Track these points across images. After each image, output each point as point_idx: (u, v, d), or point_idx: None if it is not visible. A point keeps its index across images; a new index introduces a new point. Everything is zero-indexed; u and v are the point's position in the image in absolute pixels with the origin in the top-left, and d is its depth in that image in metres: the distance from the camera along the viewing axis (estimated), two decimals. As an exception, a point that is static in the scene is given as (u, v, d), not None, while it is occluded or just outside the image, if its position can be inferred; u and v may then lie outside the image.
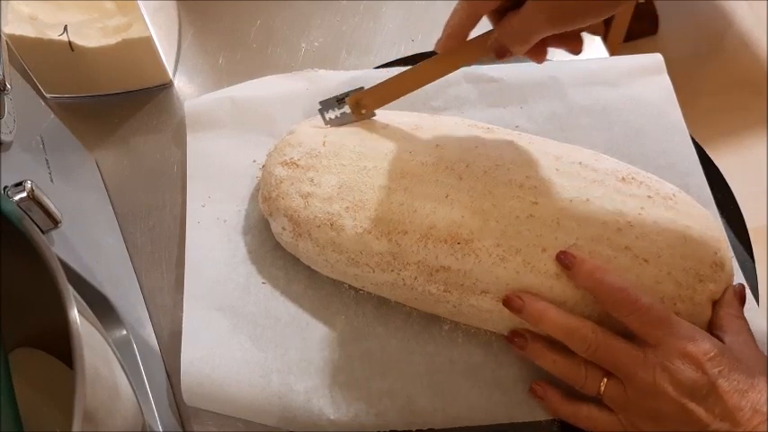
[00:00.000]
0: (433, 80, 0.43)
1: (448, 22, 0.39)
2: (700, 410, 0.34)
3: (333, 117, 0.45)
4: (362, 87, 0.44)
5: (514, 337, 0.41)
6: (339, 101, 0.45)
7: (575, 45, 0.39)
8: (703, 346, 0.36)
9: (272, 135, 0.50)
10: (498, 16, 0.38)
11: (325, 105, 0.45)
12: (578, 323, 0.38)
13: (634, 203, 0.40)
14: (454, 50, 0.41)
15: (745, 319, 0.39)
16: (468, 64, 0.42)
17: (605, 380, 0.38)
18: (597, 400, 0.39)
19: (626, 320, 0.37)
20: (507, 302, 0.39)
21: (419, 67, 0.43)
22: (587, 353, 0.38)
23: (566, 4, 0.34)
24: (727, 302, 0.39)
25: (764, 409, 0.34)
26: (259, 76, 0.53)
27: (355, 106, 0.45)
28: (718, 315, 0.39)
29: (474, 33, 0.41)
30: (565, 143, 0.45)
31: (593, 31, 0.40)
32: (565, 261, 0.38)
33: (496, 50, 0.39)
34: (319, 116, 0.49)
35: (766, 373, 0.35)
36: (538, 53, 0.39)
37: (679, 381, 0.35)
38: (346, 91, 0.45)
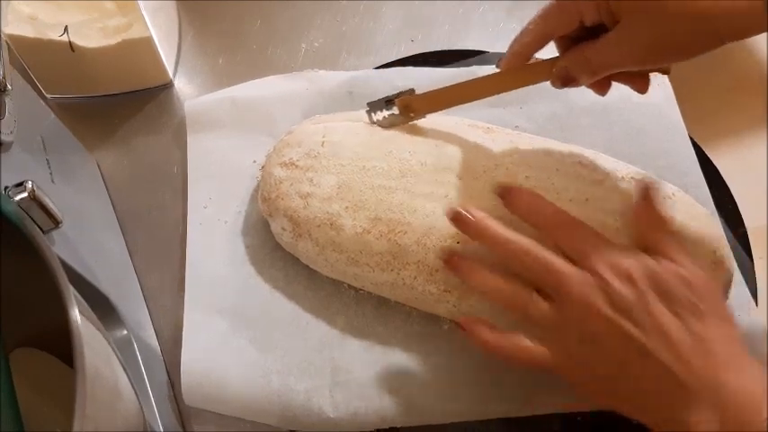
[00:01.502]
0: (489, 96, 0.42)
1: (516, 40, 0.38)
2: (630, 326, 0.33)
3: (380, 118, 0.45)
4: (413, 90, 0.44)
5: (449, 257, 0.39)
6: (388, 102, 0.44)
7: (643, 84, 0.38)
8: (635, 263, 0.35)
9: (272, 135, 0.50)
10: (567, 43, 0.37)
11: (373, 106, 0.45)
12: (519, 237, 0.37)
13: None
14: (516, 70, 0.40)
15: (676, 238, 0.37)
16: (527, 85, 0.41)
17: (541, 301, 0.36)
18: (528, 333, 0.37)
19: (561, 242, 0.37)
20: (449, 215, 0.38)
21: (477, 81, 0.42)
22: (525, 267, 0.37)
23: (663, 40, 0.33)
24: (653, 223, 0.37)
25: (705, 335, 0.33)
26: (259, 77, 0.53)
27: (404, 109, 0.44)
28: (648, 238, 0.37)
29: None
30: (565, 143, 0.45)
31: (663, 71, 0.40)
32: (502, 193, 0.39)
33: (562, 78, 0.38)
34: (317, 115, 0.49)
35: (712, 295, 0.34)
36: (603, 85, 0.38)
37: (612, 297, 0.34)
38: (396, 92, 0.44)
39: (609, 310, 0.34)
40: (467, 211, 0.38)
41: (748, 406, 0.31)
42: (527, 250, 0.36)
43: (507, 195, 0.38)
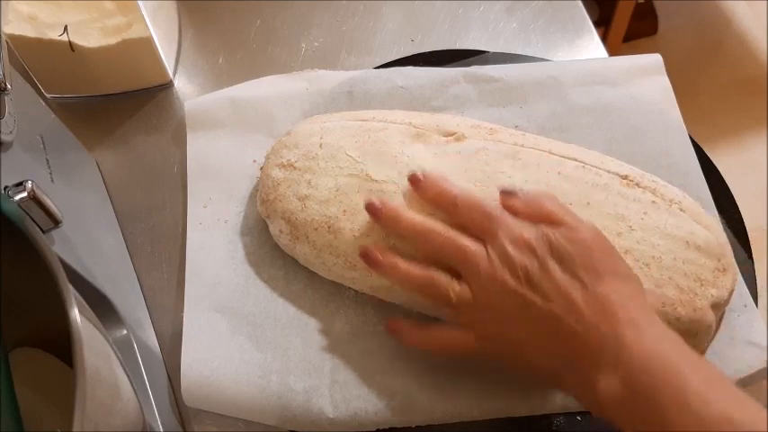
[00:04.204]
0: None
1: None
2: (533, 294, 0.34)
3: None
4: None
5: (367, 253, 0.40)
6: None
7: None
8: (533, 233, 0.36)
9: (271, 135, 0.50)
10: None
11: None
12: (428, 220, 0.39)
13: (637, 208, 0.41)
14: None
15: (559, 203, 0.38)
16: None
17: (456, 284, 0.37)
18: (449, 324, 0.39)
19: (464, 221, 0.38)
20: (368, 206, 0.40)
21: None
22: (435, 248, 0.38)
23: None
24: (531, 207, 0.38)
25: (610, 298, 0.33)
26: (259, 76, 0.53)
27: None
28: (538, 219, 0.37)
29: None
30: (569, 143, 0.45)
31: None
32: (413, 180, 0.40)
33: None
34: (315, 116, 0.48)
35: (610, 256, 0.35)
36: None
37: (515, 268, 0.35)
38: None
39: (513, 282, 0.35)
40: (380, 201, 0.39)
41: (648, 370, 0.31)
42: (436, 231, 0.38)
43: (415, 184, 0.40)
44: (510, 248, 0.35)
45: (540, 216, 0.37)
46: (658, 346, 0.32)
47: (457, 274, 0.37)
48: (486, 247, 0.36)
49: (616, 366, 0.32)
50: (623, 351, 0.32)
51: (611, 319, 0.33)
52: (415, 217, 0.39)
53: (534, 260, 0.35)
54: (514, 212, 0.38)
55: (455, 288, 0.37)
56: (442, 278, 0.38)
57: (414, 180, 0.40)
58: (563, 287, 0.34)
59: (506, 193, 0.39)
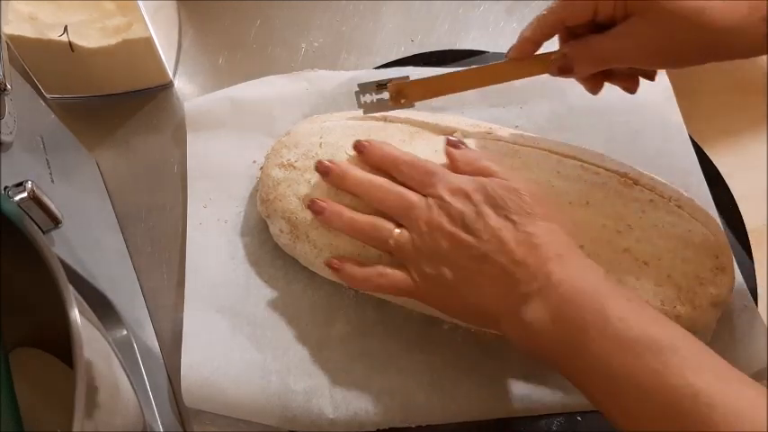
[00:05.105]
0: (484, 86, 0.43)
1: (526, 28, 0.40)
2: (467, 236, 0.37)
3: (369, 102, 0.44)
4: (407, 77, 0.44)
5: (313, 203, 0.42)
6: (379, 86, 0.44)
7: (633, 84, 0.41)
8: (469, 183, 0.38)
9: (271, 135, 0.50)
10: (570, 35, 0.40)
11: (363, 89, 0.44)
12: (374, 177, 0.41)
13: (636, 206, 0.41)
14: (517, 61, 0.41)
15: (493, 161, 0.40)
16: (525, 77, 0.42)
17: (395, 229, 0.40)
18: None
19: (406, 179, 0.40)
20: (318, 165, 0.42)
21: (474, 70, 0.42)
22: (379, 201, 0.40)
23: (668, 43, 0.35)
24: (470, 160, 0.41)
25: (533, 240, 0.36)
26: (259, 77, 0.53)
27: (396, 95, 0.44)
28: (473, 172, 0.40)
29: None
30: (569, 143, 0.45)
31: (648, 76, 0.42)
32: (358, 148, 0.42)
33: (561, 67, 0.40)
34: (315, 116, 0.48)
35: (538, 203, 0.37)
36: (596, 83, 0.41)
37: (451, 213, 0.38)
38: (389, 77, 0.44)
39: (450, 226, 0.38)
40: (330, 160, 0.42)
41: (572, 297, 0.33)
42: (380, 185, 0.41)
43: (362, 151, 0.42)
44: (448, 197, 0.38)
45: (475, 170, 0.40)
46: (581, 274, 0.34)
47: (399, 224, 0.40)
48: (426, 198, 0.39)
49: (543, 297, 0.34)
50: (550, 282, 0.34)
51: (539, 253, 0.35)
52: (362, 174, 0.41)
53: (470, 206, 0.37)
54: (454, 168, 0.41)
55: (394, 233, 0.39)
56: (384, 224, 0.40)
57: (358, 147, 0.42)
58: (495, 228, 0.36)
59: (452, 144, 0.42)
